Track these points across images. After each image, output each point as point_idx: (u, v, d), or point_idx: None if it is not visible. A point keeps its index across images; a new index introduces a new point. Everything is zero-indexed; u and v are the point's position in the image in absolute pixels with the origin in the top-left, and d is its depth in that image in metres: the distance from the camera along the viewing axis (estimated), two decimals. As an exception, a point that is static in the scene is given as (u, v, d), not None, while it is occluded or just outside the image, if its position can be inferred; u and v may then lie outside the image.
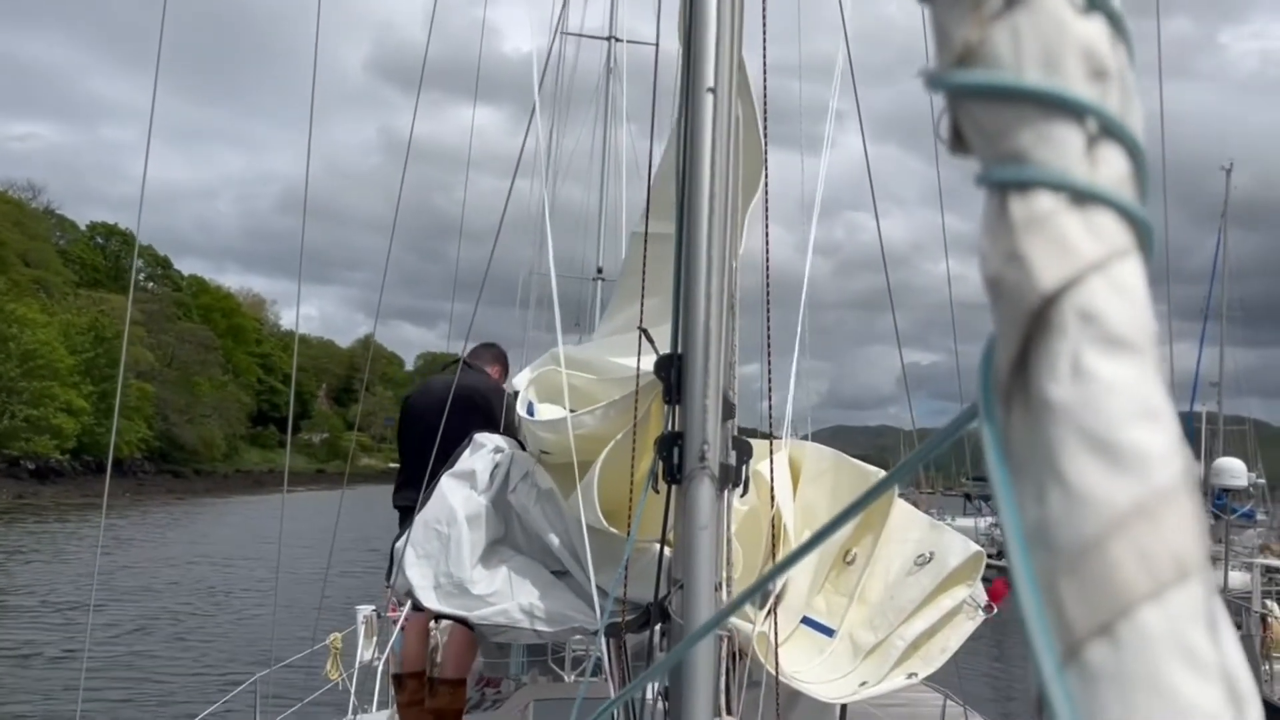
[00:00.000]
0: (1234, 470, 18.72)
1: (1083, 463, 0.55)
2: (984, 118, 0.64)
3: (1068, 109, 0.61)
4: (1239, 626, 14.73)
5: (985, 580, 2.66)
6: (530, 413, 2.93)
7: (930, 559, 2.60)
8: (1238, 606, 15.08)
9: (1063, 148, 0.61)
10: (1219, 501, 19.31)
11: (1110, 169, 0.61)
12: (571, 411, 2.66)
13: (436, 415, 3.65)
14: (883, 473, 2.84)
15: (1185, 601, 0.52)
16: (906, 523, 2.74)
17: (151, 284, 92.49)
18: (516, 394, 3.08)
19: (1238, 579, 16.27)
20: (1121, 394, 0.56)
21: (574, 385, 2.79)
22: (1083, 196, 0.60)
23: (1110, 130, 0.61)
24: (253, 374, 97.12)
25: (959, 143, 0.68)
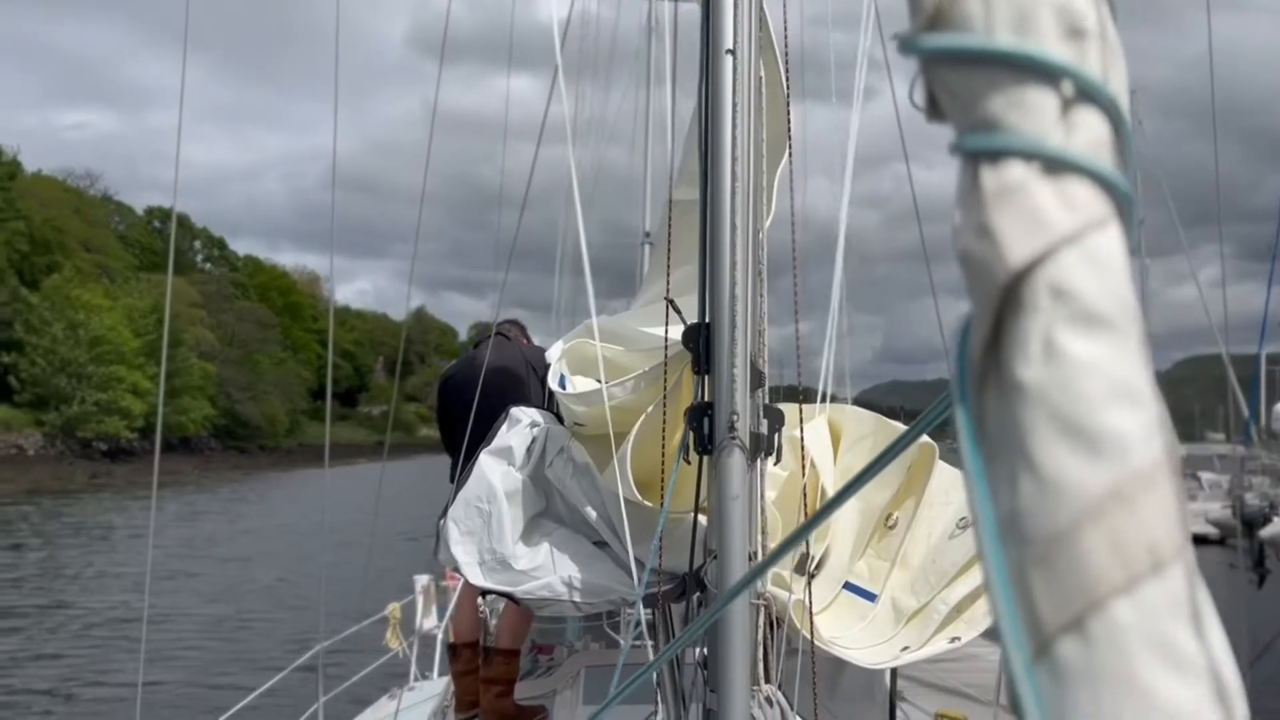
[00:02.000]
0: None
1: (1055, 448, 0.52)
2: (956, 83, 0.60)
3: (1041, 71, 0.58)
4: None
5: None
6: (562, 385, 2.93)
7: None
8: None
9: (1036, 113, 0.57)
10: None
11: (1087, 134, 0.57)
12: (602, 383, 2.65)
13: (496, 382, 3.59)
14: (925, 437, 2.79)
15: (1161, 594, 0.50)
16: (949, 485, 2.70)
17: (209, 265, 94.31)
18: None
19: None
20: (1096, 374, 0.53)
21: (606, 357, 2.78)
22: (1056, 164, 0.57)
23: (1088, 93, 0.58)
24: (311, 350, 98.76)
25: (935, 109, 0.64)
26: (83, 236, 71.40)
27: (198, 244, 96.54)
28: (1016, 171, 0.57)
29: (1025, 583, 0.53)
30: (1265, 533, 16.06)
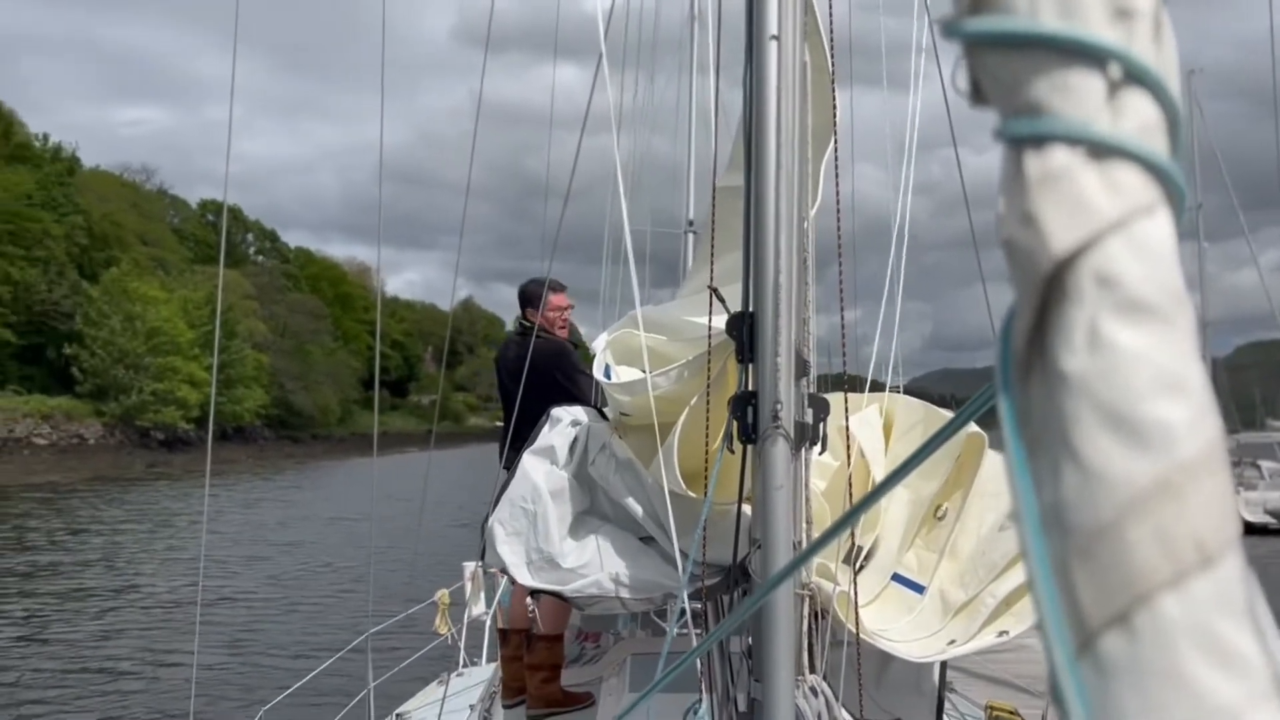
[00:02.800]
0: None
1: (1099, 439, 0.51)
2: (999, 67, 0.59)
3: (1087, 54, 0.56)
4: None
5: None
6: (607, 375, 2.94)
7: (1023, 513, 2.52)
8: None
9: (1082, 97, 0.56)
10: None
11: (1135, 118, 0.56)
12: (646, 373, 2.65)
13: (513, 382, 3.70)
14: (974, 425, 2.76)
15: (1209, 588, 0.49)
16: (999, 476, 2.66)
17: (261, 257, 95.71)
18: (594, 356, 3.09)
19: None
20: (1142, 364, 0.52)
21: (650, 347, 2.78)
22: (1102, 149, 0.55)
23: (1136, 75, 0.56)
24: (362, 340, 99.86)
25: (979, 94, 0.63)
26: (139, 230, 72.82)
27: (250, 236, 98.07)
28: (1061, 157, 0.56)
29: (1068, 576, 0.52)
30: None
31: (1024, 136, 0.57)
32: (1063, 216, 0.55)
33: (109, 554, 23.95)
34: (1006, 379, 0.59)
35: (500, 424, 4.83)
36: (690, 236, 14.21)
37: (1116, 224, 0.54)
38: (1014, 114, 0.59)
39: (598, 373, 2.98)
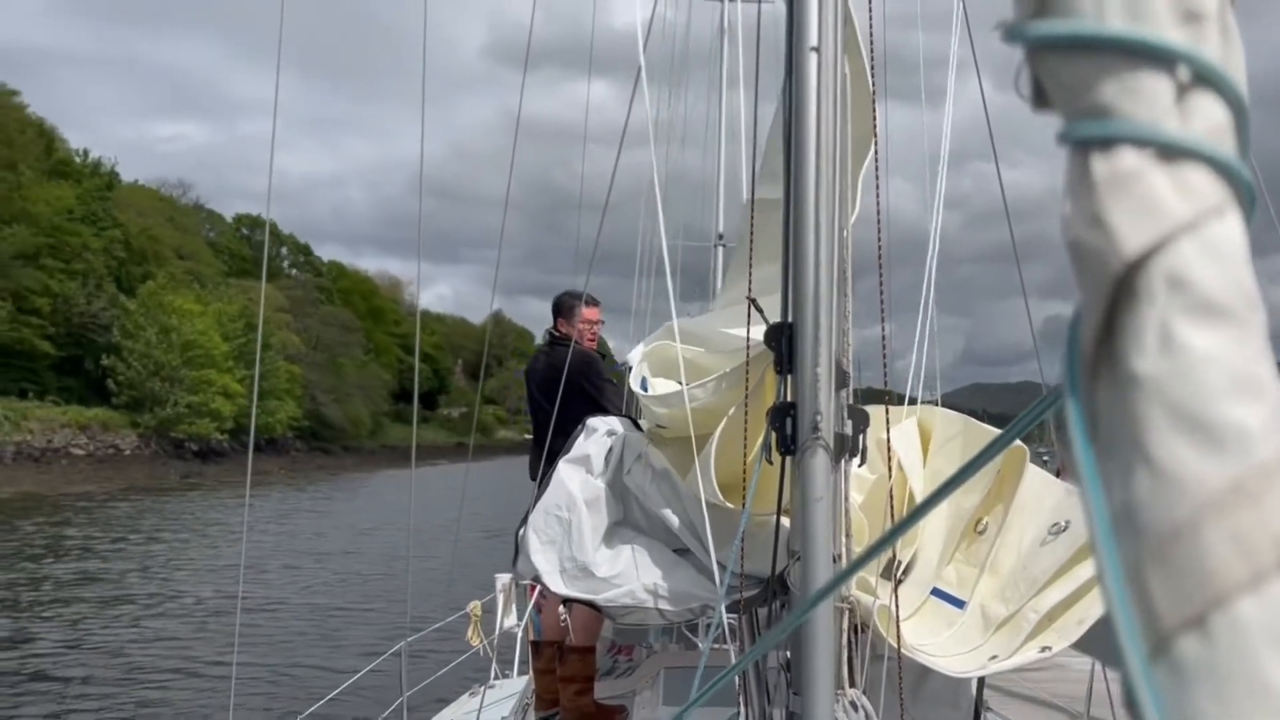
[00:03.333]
0: None
1: (1173, 441, 0.51)
2: (1064, 71, 0.59)
3: (1156, 57, 0.56)
4: None
5: None
6: (644, 388, 2.94)
7: (1065, 528, 2.50)
8: None
9: (1150, 99, 0.56)
10: None
11: (1204, 120, 0.56)
12: (684, 385, 2.65)
13: (541, 394, 3.73)
14: (1016, 441, 2.73)
15: (1288, 590, 0.48)
16: (1040, 490, 2.63)
17: (294, 271, 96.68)
18: (630, 368, 3.09)
19: None
20: (1215, 366, 0.51)
21: (687, 359, 2.78)
22: (1172, 151, 0.55)
23: (1205, 77, 0.56)
24: (392, 353, 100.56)
25: (1041, 98, 0.63)
26: (176, 244, 73.83)
27: (284, 250, 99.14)
28: (1130, 159, 0.56)
29: (1141, 578, 0.52)
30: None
31: (1091, 139, 0.57)
32: (1133, 218, 0.55)
33: (146, 562, 24.25)
34: (1074, 381, 0.58)
35: (530, 437, 4.86)
36: (720, 249, 14.23)
37: (1187, 225, 0.54)
38: (1080, 116, 0.59)
39: (634, 385, 2.98)
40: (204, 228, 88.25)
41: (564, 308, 4.69)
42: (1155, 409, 0.53)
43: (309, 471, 63.65)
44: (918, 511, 1.07)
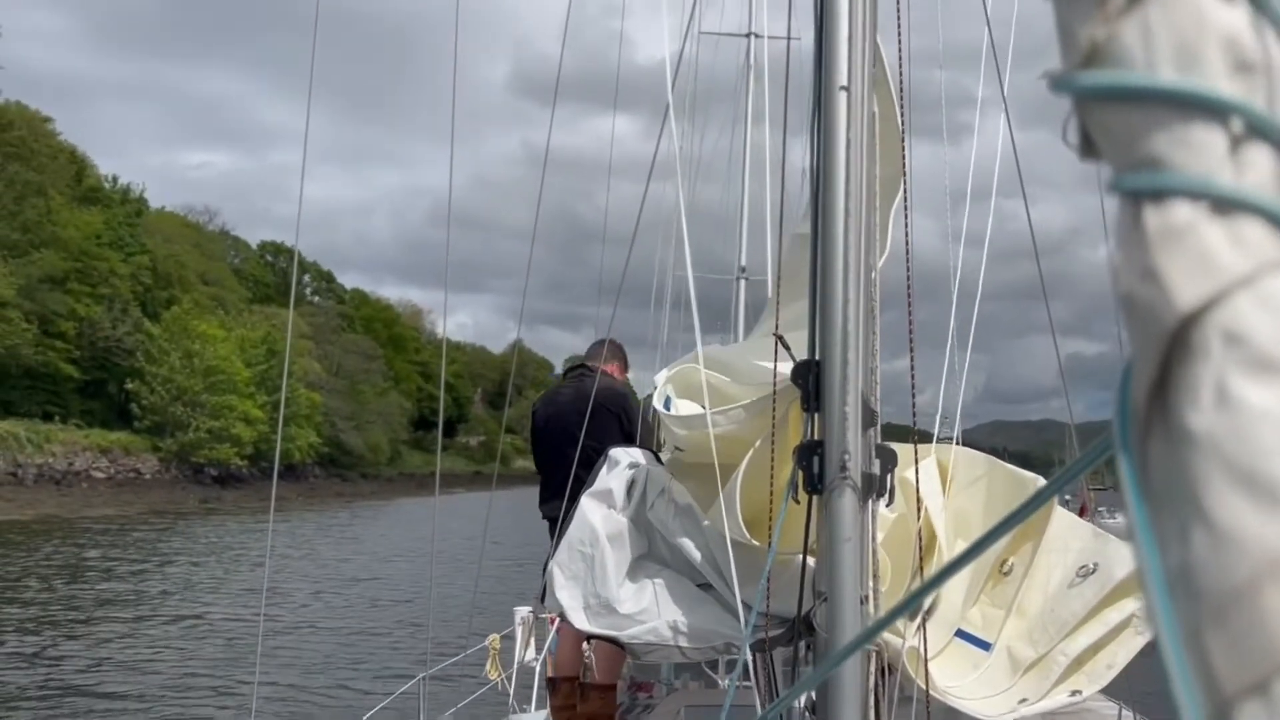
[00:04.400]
0: None
1: (1231, 500, 0.50)
2: (1114, 122, 0.59)
3: (1208, 108, 0.56)
4: None
5: None
6: (667, 407, 2.93)
7: (1094, 570, 2.46)
8: None
9: (1203, 151, 0.56)
10: None
11: (1259, 172, 0.55)
12: (706, 409, 2.64)
13: (571, 423, 3.73)
14: (1040, 479, 2.71)
15: (1354, 657, 0.47)
16: (1068, 532, 2.60)
17: (317, 298, 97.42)
18: (653, 393, 3.09)
19: None
20: (1274, 423, 0.50)
21: (712, 385, 2.77)
22: (1226, 204, 0.54)
23: (1258, 129, 0.56)
24: (413, 381, 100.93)
25: (1089, 148, 0.63)
26: (200, 270, 74.61)
27: (307, 277, 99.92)
28: (1183, 212, 0.55)
29: (1200, 641, 0.51)
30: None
31: (1142, 190, 0.57)
32: (1187, 272, 0.54)
33: (165, 585, 24.35)
34: (1125, 437, 0.57)
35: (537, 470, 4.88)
36: (743, 283, 14.26)
37: (1244, 280, 0.54)
38: (1131, 168, 0.58)
39: (657, 403, 2.98)
40: (229, 254, 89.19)
41: (624, 357, 4.89)
42: (1212, 466, 0.52)
43: (327, 498, 63.81)
44: (960, 560, 1.06)
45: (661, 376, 3.12)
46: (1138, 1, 0.58)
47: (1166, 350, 0.54)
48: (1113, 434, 0.58)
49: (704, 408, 2.70)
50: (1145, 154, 0.57)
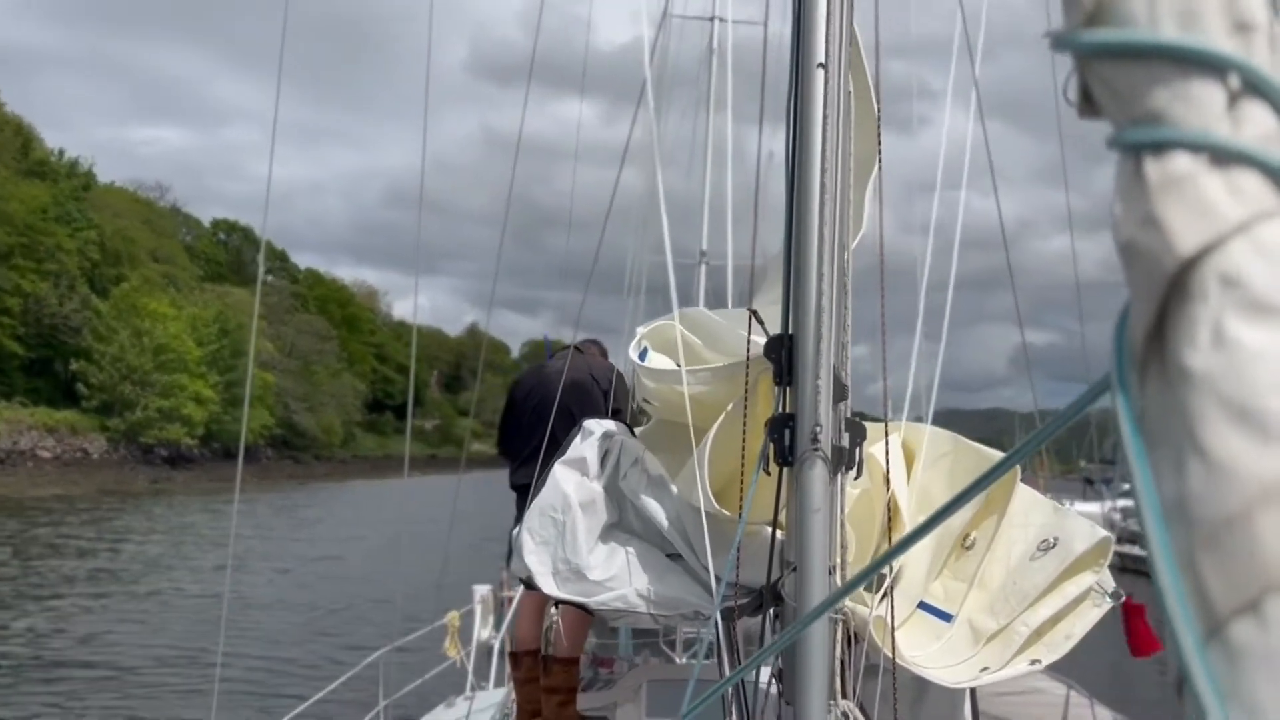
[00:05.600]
0: None
1: (1225, 433, 0.53)
2: (1116, 78, 0.61)
3: (1207, 65, 0.58)
4: None
5: (1116, 596, 2.54)
6: (642, 359, 2.95)
7: (1054, 544, 2.53)
8: None
9: (1202, 106, 0.58)
10: None
11: (1256, 127, 0.58)
12: (681, 366, 2.66)
13: (556, 394, 3.76)
14: (1002, 455, 2.76)
15: (1341, 577, 0.50)
16: (1029, 507, 2.66)
17: (270, 277, 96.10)
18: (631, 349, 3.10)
19: None
20: (1267, 361, 0.53)
21: (687, 343, 2.80)
22: (1224, 156, 0.57)
23: (1256, 86, 0.58)
24: (367, 362, 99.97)
25: (1088, 106, 0.65)
26: (151, 247, 73.22)
27: (262, 259, 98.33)
28: (1183, 163, 0.58)
29: (1194, 565, 0.53)
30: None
31: (1144, 143, 0.59)
32: (1186, 219, 0.57)
33: (123, 564, 24.01)
34: (1123, 375, 0.60)
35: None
36: (703, 268, 14.30)
37: (1239, 227, 0.56)
38: (1132, 123, 0.61)
39: (632, 353, 3.00)
40: (181, 231, 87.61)
41: (606, 352, 4.96)
42: (1208, 402, 0.54)
43: (279, 480, 63.09)
44: (923, 528, 1.09)
45: (640, 330, 3.14)
46: (1141, -38, 0.61)
47: (1165, 294, 0.57)
48: (1112, 373, 0.61)
49: (678, 364, 2.72)
50: (1147, 109, 0.60)
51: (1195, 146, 0.58)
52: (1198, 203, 0.58)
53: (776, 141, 2.48)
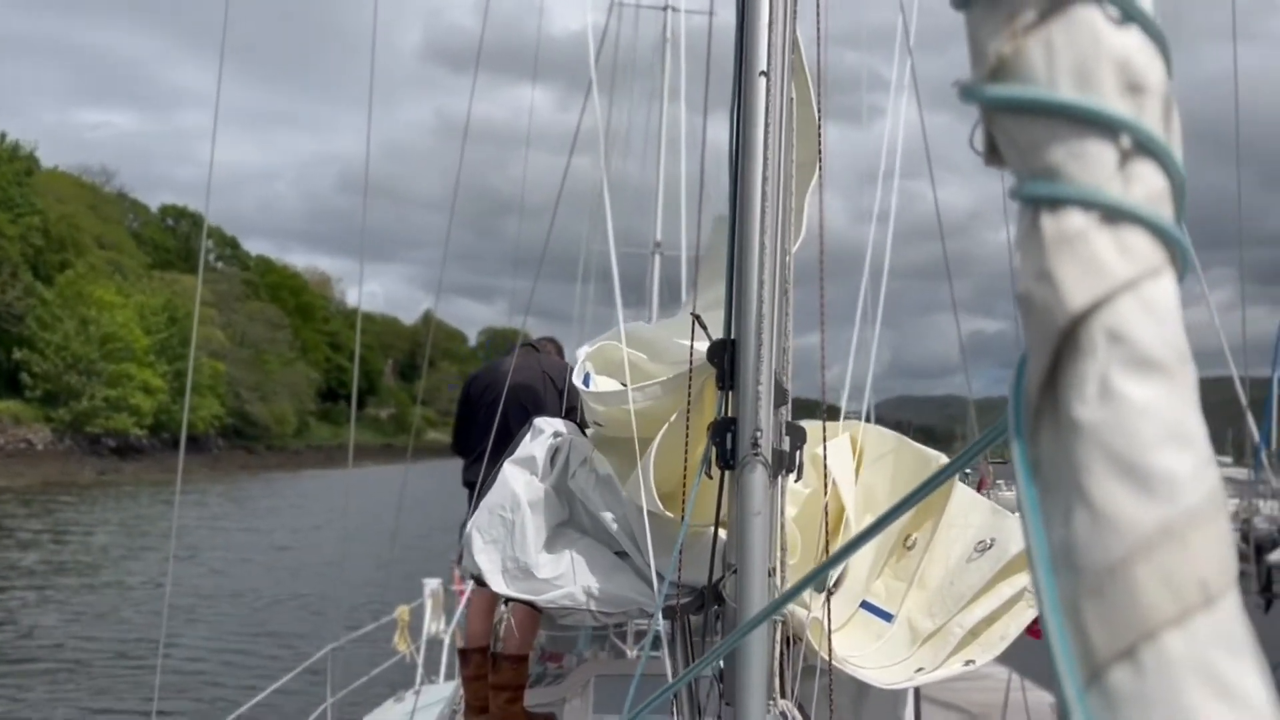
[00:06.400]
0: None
1: (1109, 485, 0.55)
2: (1017, 132, 0.63)
3: (1101, 124, 0.60)
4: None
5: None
6: (586, 384, 2.96)
7: (991, 545, 2.58)
8: None
9: (1095, 164, 0.60)
10: None
11: (1144, 186, 0.60)
12: (627, 386, 2.68)
13: (512, 391, 3.76)
14: (943, 457, 2.81)
15: (1210, 626, 0.52)
16: (967, 508, 2.72)
17: (221, 264, 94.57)
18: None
19: None
20: (1150, 416, 0.55)
21: (632, 362, 2.81)
22: (1114, 214, 0.59)
23: (1145, 146, 0.61)
24: (320, 351, 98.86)
25: (995, 155, 0.67)
26: (97, 233, 71.70)
27: (210, 243, 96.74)
28: (1076, 220, 0.60)
29: (1078, 611, 0.56)
30: (1273, 557, 15.96)
31: (1041, 198, 0.61)
32: (1078, 276, 0.59)
33: (69, 555, 23.59)
34: (1019, 425, 0.62)
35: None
36: (657, 258, 14.32)
37: (1127, 284, 0.58)
38: (1031, 176, 0.63)
39: (577, 380, 3.01)
40: (128, 218, 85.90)
41: (562, 351, 4.96)
42: (1094, 454, 0.57)
43: (232, 470, 62.31)
44: (860, 538, 1.11)
45: (582, 352, 3.15)
46: (1042, 21, 0.63)
47: (1058, 347, 0.59)
48: (1008, 422, 0.63)
49: (623, 384, 2.74)
50: (1044, 164, 0.62)
51: (1087, 204, 0.61)
52: (1089, 259, 0.60)
53: (725, 131, 2.50)
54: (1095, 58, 0.62)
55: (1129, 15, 0.63)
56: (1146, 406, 0.56)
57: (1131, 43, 0.63)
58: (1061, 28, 0.63)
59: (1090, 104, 0.61)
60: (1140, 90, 0.62)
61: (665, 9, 14.88)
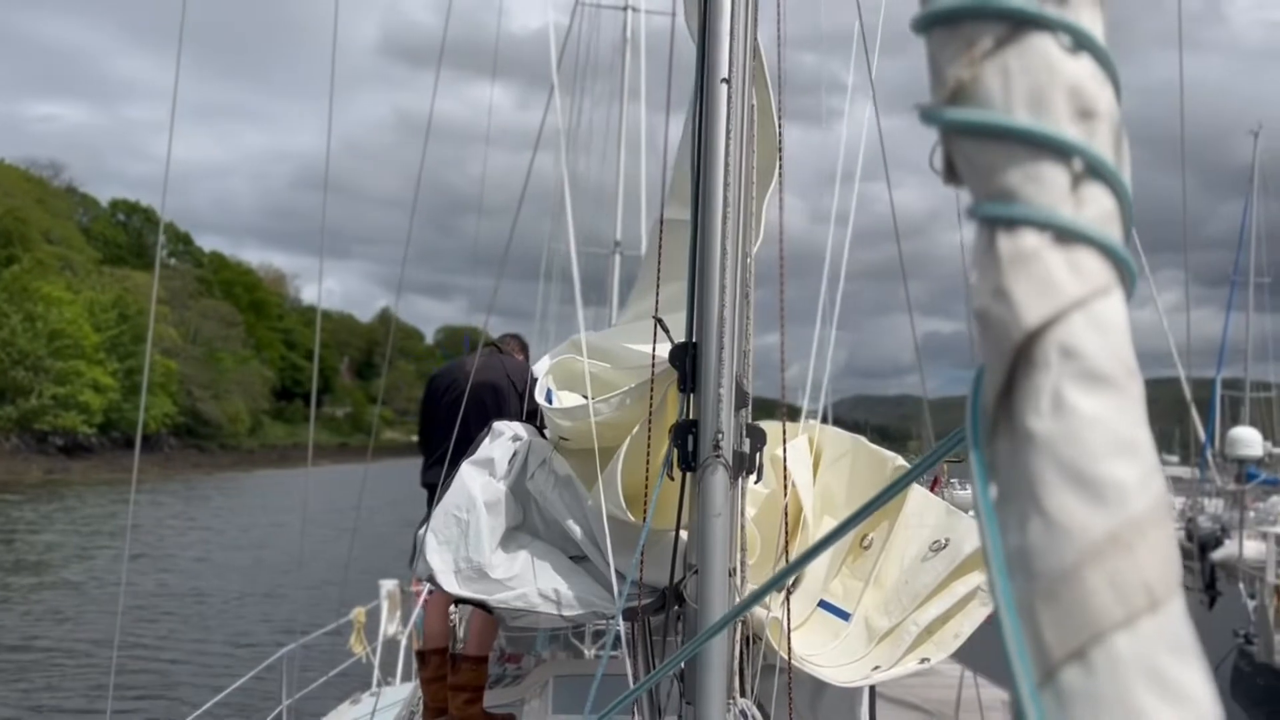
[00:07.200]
0: (1248, 440, 18.49)
1: (1061, 494, 0.58)
2: (974, 154, 0.66)
3: (1054, 149, 0.63)
4: (1252, 596, 14.52)
5: None
6: (549, 400, 2.97)
7: (945, 545, 2.63)
8: (1251, 576, 14.84)
9: (1049, 186, 0.63)
10: (1251, 474, 18.87)
11: (1095, 208, 0.63)
12: (589, 399, 2.69)
13: (473, 393, 3.74)
14: (899, 459, 2.86)
15: (1156, 628, 0.55)
16: (922, 509, 2.76)
17: (174, 260, 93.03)
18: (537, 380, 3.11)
19: (1253, 549, 15.92)
20: (1099, 428, 0.58)
21: (592, 374, 2.82)
22: (1067, 235, 0.62)
23: (1095, 170, 0.64)
24: (275, 349, 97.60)
25: (953, 175, 0.70)
26: (44, 228, 70.20)
27: (163, 239, 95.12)
28: (1030, 240, 0.63)
29: (1032, 615, 0.58)
30: (1217, 555, 16.32)
31: (997, 218, 0.64)
32: (1032, 293, 0.62)
33: (14, 559, 23.08)
34: (976, 435, 0.65)
35: (417, 439, 4.86)
36: (618, 257, 14.34)
37: (1078, 302, 0.61)
38: (987, 197, 0.65)
39: (539, 396, 3.01)
40: (77, 212, 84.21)
41: (527, 350, 4.92)
42: (1047, 464, 0.59)
43: (184, 469, 61.33)
44: (821, 544, 1.14)
45: (542, 367, 3.15)
46: (998, 48, 0.66)
47: (1013, 361, 0.62)
48: (966, 431, 0.66)
49: (585, 397, 2.75)
50: (1000, 186, 0.65)
51: (1041, 224, 0.63)
52: (1042, 278, 0.62)
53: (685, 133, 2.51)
54: (1049, 84, 0.65)
55: (1081, 44, 0.66)
56: (1096, 418, 0.59)
57: (1083, 70, 0.66)
58: (1017, 55, 0.66)
59: (1044, 129, 0.64)
60: (1091, 116, 0.65)
61: (625, 9, 14.90)
